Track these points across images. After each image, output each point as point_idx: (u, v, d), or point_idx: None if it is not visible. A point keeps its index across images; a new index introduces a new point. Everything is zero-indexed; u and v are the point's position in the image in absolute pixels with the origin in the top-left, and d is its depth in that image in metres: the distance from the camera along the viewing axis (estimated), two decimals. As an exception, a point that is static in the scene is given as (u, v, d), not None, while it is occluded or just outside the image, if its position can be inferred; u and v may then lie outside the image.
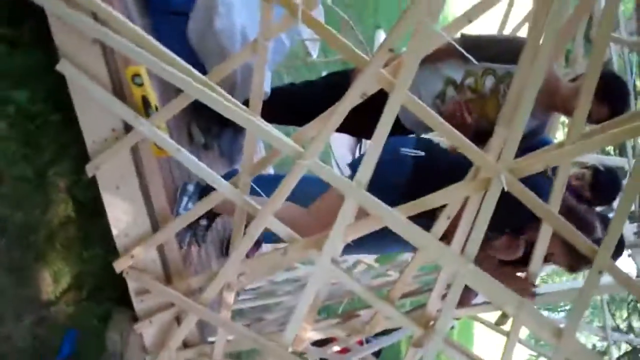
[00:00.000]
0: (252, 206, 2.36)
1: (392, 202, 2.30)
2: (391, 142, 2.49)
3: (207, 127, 3.13)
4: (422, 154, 2.57)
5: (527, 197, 2.12)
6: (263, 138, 2.26)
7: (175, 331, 2.72)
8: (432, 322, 2.41)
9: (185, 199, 2.81)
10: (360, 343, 4.54)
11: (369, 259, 4.76)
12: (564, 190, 2.21)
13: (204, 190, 2.82)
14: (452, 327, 4.71)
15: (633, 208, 3.65)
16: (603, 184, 3.12)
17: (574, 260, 2.44)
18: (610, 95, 2.54)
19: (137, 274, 2.65)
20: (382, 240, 2.61)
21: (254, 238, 2.39)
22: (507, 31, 4.27)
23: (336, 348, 3.09)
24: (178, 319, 2.77)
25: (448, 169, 2.31)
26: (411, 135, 2.91)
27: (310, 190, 2.69)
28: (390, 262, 4.73)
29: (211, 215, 3.02)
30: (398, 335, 3.19)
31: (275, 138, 2.23)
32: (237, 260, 2.44)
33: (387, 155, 2.47)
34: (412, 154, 2.58)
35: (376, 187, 2.38)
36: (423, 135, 2.89)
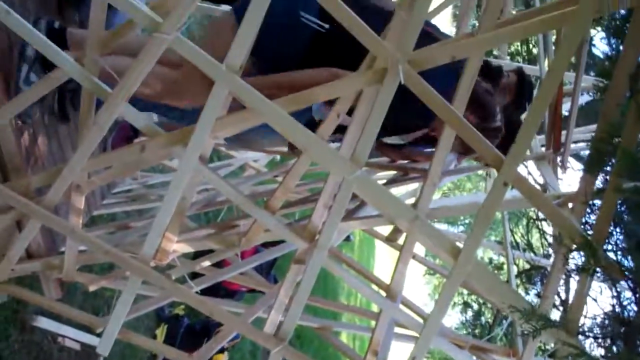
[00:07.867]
0: (100, 88, 1.92)
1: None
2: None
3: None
4: (327, 26, 2.21)
5: (428, 94, 1.80)
6: (113, 3, 1.81)
7: (16, 239, 2.30)
8: (317, 236, 2.09)
9: (25, 67, 2.31)
10: (252, 253, 4.22)
11: (258, 163, 4.37)
12: (472, 87, 1.89)
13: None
14: (348, 239, 4.46)
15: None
16: (528, 84, 3.04)
17: (467, 150, 2.35)
18: None
19: (-36, 168, 2.18)
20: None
21: (103, 129, 1.96)
22: None
23: (207, 263, 2.70)
24: (19, 225, 2.34)
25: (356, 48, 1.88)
26: None
27: None
28: (280, 168, 4.37)
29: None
30: (288, 247, 2.87)
31: (129, 4, 1.79)
32: (84, 156, 2.01)
33: (282, 17, 2.21)
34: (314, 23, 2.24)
35: (268, 54, 2.15)
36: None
